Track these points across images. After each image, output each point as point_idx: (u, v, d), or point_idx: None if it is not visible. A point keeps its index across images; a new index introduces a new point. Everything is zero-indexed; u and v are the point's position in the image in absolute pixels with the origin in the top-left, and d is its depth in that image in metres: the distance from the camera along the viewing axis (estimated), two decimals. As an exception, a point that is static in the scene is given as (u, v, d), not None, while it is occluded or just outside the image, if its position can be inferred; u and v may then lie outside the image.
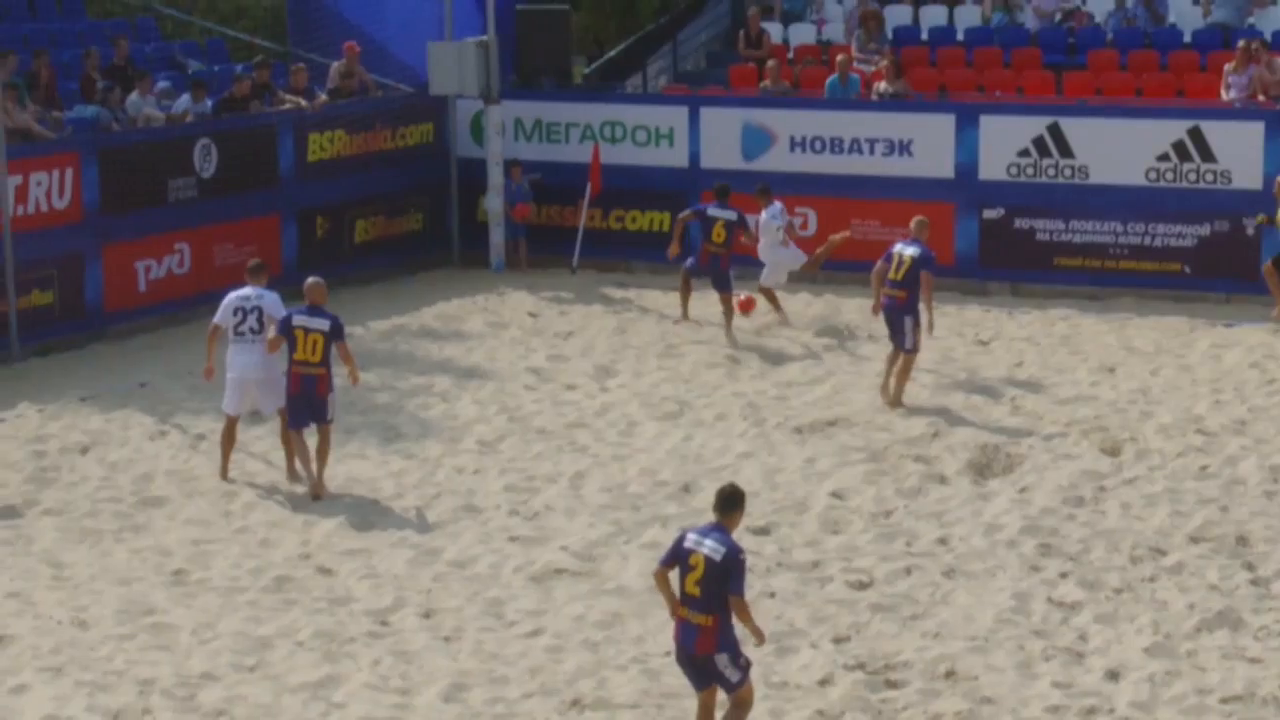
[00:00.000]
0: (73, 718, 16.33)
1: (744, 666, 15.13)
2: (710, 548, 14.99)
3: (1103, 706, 16.49)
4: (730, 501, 15.29)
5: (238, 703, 16.60)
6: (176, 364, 28.07)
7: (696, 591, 14.99)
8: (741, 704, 15.19)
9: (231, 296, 22.85)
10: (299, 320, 22.16)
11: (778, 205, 30.40)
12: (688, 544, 15.13)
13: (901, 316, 25.33)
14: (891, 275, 25.32)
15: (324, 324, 22.12)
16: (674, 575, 15.19)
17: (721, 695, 15.20)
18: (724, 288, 29.23)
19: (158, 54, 34.94)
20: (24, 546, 20.74)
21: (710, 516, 16.02)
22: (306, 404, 22.28)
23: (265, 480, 22.85)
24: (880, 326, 26.61)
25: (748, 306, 23.65)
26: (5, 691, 16.87)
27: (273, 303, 22.70)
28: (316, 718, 16.32)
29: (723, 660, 15.01)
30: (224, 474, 22.93)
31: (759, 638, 15.24)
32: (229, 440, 23.04)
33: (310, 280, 22.76)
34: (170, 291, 30.95)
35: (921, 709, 16.47)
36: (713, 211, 29.45)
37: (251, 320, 22.67)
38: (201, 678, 17.17)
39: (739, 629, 15.12)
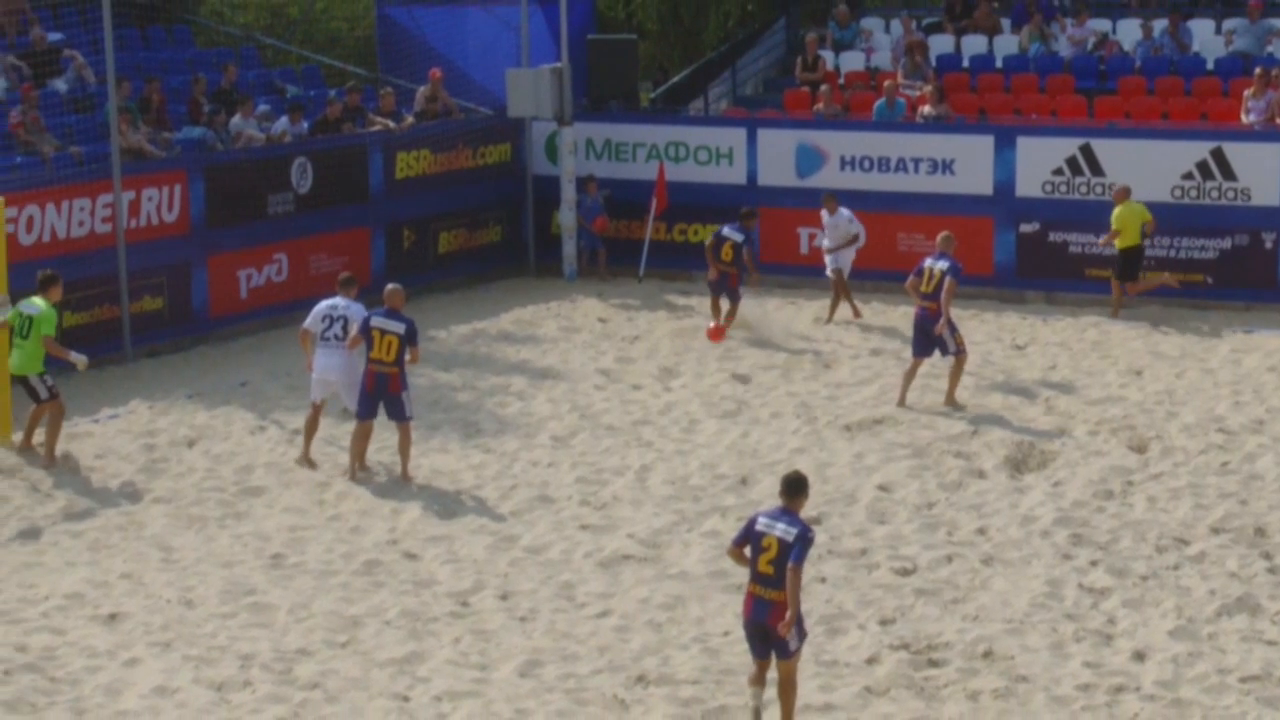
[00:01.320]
0: (180, 689, 16.40)
1: (802, 636, 15.25)
2: (782, 530, 15.10)
3: (1130, 685, 16.45)
4: (795, 487, 15.39)
5: (330, 676, 16.66)
6: (275, 365, 28.18)
7: (770, 570, 15.06)
8: (789, 676, 15.29)
9: (322, 305, 23.13)
10: (377, 322, 22.26)
11: (845, 212, 30.60)
12: (759, 527, 15.23)
13: (933, 326, 25.31)
14: (923, 288, 25.29)
15: (400, 327, 22.21)
16: (746, 554, 15.30)
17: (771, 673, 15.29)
18: (732, 299, 29.60)
19: (259, 80, 35.06)
20: (136, 531, 20.84)
21: (770, 504, 16.02)
22: (378, 399, 22.38)
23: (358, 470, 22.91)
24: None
25: (717, 335, 23.14)
26: (119, 664, 16.96)
27: (357, 313, 22.89)
28: (402, 690, 16.35)
29: (791, 631, 15.13)
30: (305, 455, 23.15)
31: (791, 616, 15.10)
32: (311, 427, 23.25)
33: (390, 286, 22.93)
34: (269, 298, 31.06)
35: (961, 686, 16.45)
36: (725, 232, 29.70)
37: (337, 328, 22.91)
38: (297, 653, 17.24)
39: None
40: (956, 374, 25.53)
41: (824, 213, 30.89)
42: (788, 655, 15.21)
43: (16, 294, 23.75)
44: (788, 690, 15.34)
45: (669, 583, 19.06)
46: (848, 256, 30.83)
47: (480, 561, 19.74)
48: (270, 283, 31.15)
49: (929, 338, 25.38)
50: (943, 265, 25.25)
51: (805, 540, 15.04)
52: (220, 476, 22.78)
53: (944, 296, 25.08)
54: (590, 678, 16.65)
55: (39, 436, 23.35)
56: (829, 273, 30.93)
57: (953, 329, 25.34)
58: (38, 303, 23.15)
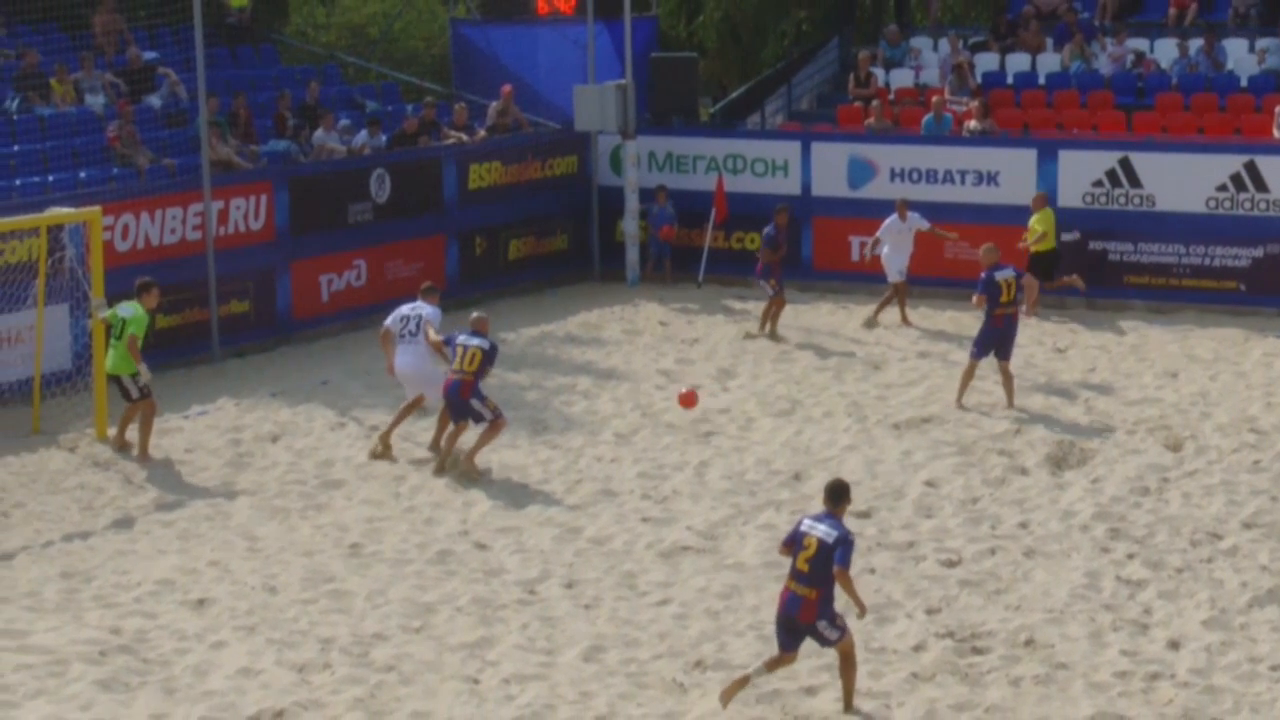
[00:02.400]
0: (264, 670, 16.46)
1: (841, 626, 15.39)
2: (824, 531, 15.29)
3: (1164, 672, 16.38)
4: (837, 493, 15.63)
5: (405, 659, 16.70)
6: (354, 365, 28.24)
7: (805, 568, 15.24)
8: (847, 655, 15.46)
9: (402, 307, 23.51)
10: (462, 339, 22.48)
11: (915, 215, 30.77)
12: (804, 528, 15.45)
13: (1014, 330, 25.58)
14: (1004, 299, 25.19)
15: (483, 343, 22.40)
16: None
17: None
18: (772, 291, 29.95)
19: (340, 95, 35.15)
20: (223, 522, 20.93)
21: (818, 501, 15.98)
22: (452, 402, 22.53)
23: (432, 465, 22.92)
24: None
25: (688, 402, 22.91)
26: (206, 647, 17.03)
27: (431, 313, 23.25)
28: (473, 673, 16.38)
29: (823, 625, 15.30)
30: (386, 436, 23.40)
31: (861, 609, 15.49)
32: (404, 412, 23.61)
33: (475, 314, 23.20)
34: (349, 302, 31.13)
35: (1003, 673, 16.40)
36: (767, 230, 30.14)
37: (411, 326, 23.23)
38: (374, 637, 17.27)
39: (839, 600, 15.36)
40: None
41: (894, 217, 30.77)
42: (833, 645, 15.42)
43: (112, 298, 23.82)
44: (847, 669, 15.54)
45: (726, 573, 19.06)
46: (904, 262, 30.75)
47: (547, 552, 19.76)
48: (350, 287, 31.22)
49: (1006, 342, 25.43)
50: (1010, 273, 25.46)
51: (847, 543, 15.28)
52: (302, 470, 22.85)
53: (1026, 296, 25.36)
54: (650, 662, 16.66)
55: (132, 433, 23.45)
56: (894, 278, 30.82)
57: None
58: (132, 306, 23.23)
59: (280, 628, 17.54)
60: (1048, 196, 31.42)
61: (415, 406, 23.68)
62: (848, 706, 15.53)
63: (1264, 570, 18.99)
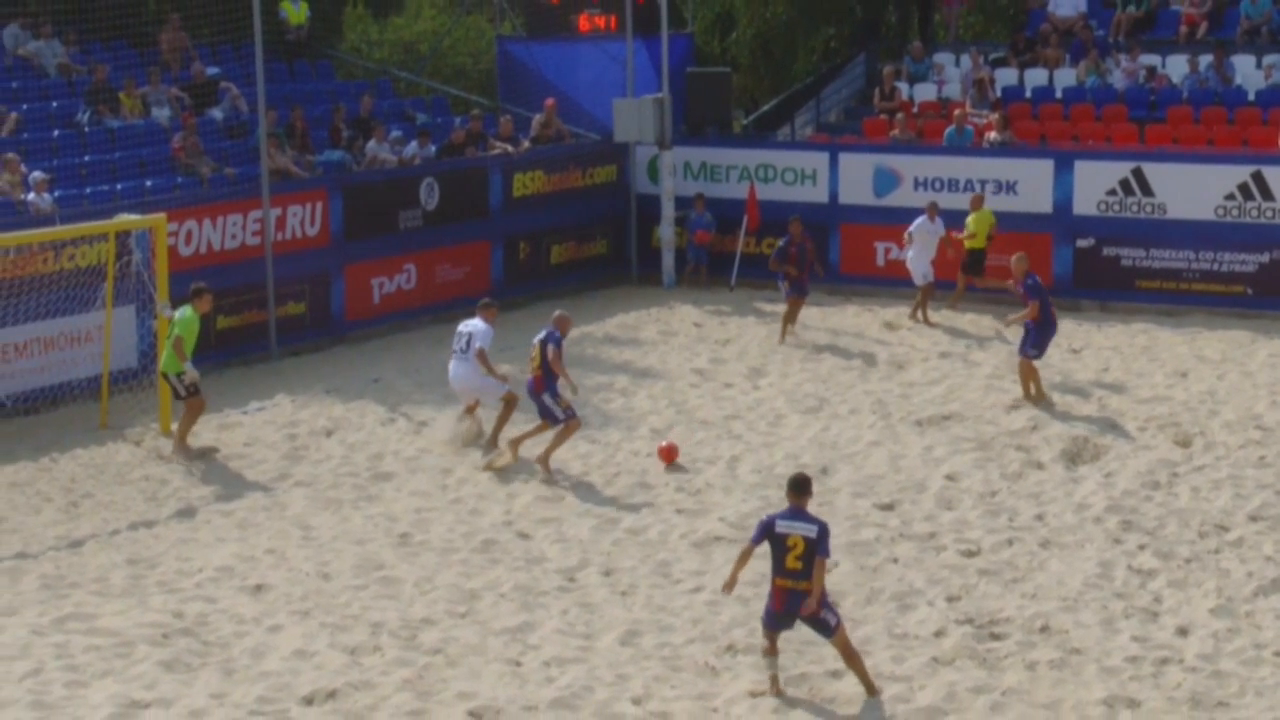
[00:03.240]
0: (317, 652, 16.50)
1: (835, 610, 15.39)
2: (804, 529, 15.16)
3: (1174, 658, 16.34)
4: (801, 486, 15.47)
5: (451, 643, 16.72)
6: (404, 363, 28.31)
7: (799, 565, 15.16)
8: (844, 648, 15.40)
9: (461, 323, 23.57)
10: (538, 338, 22.42)
11: (941, 221, 30.77)
12: (780, 529, 15.25)
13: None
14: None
15: (543, 336, 22.28)
16: (765, 556, 15.49)
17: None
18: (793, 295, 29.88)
19: (392, 108, 35.22)
20: (279, 512, 20.98)
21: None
22: (531, 399, 22.48)
23: (474, 460, 22.95)
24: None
25: (670, 455, 22.57)
26: (263, 630, 17.07)
27: (482, 332, 23.16)
28: (515, 656, 16.39)
29: (824, 612, 15.24)
30: (516, 443, 23.02)
31: (817, 590, 15.24)
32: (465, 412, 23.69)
33: (558, 313, 22.97)
34: (399, 304, 31.20)
35: (1020, 657, 16.37)
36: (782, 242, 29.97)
37: (462, 342, 23.23)
38: (422, 622, 17.30)
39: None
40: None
41: (924, 218, 30.78)
42: (831, 633, 15.31)
43: (176, 301, 23.88)
44: (852, 658, 15.45)
45: (756, 561, 18.85)
46: (928, 265, 30.73)
47: (586, 541, 19.77)
48: (400, 290, 31.28)
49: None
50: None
51: (827, 534, 15.25)
52: (354, 463, 22.90)
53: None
54: (684, 647, 16.65)
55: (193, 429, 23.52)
56: (920, 281, 30.83)
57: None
58: (184, 310, 23.23)
59: (333, 612, 17.57)
60: (983, 198, 31.83)
61: (469, 412, 23.68)
62: (870, 690, 15.48)
63: (1269, 561, 18.93)
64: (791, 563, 15.17)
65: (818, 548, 15.12)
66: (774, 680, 15.52)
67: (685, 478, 21.99)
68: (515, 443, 22.59)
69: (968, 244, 31.54)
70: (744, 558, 15.64)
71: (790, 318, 29.81)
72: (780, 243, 29.82)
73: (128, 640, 16.77)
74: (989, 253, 31.29)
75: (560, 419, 22.29)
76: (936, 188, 32.96)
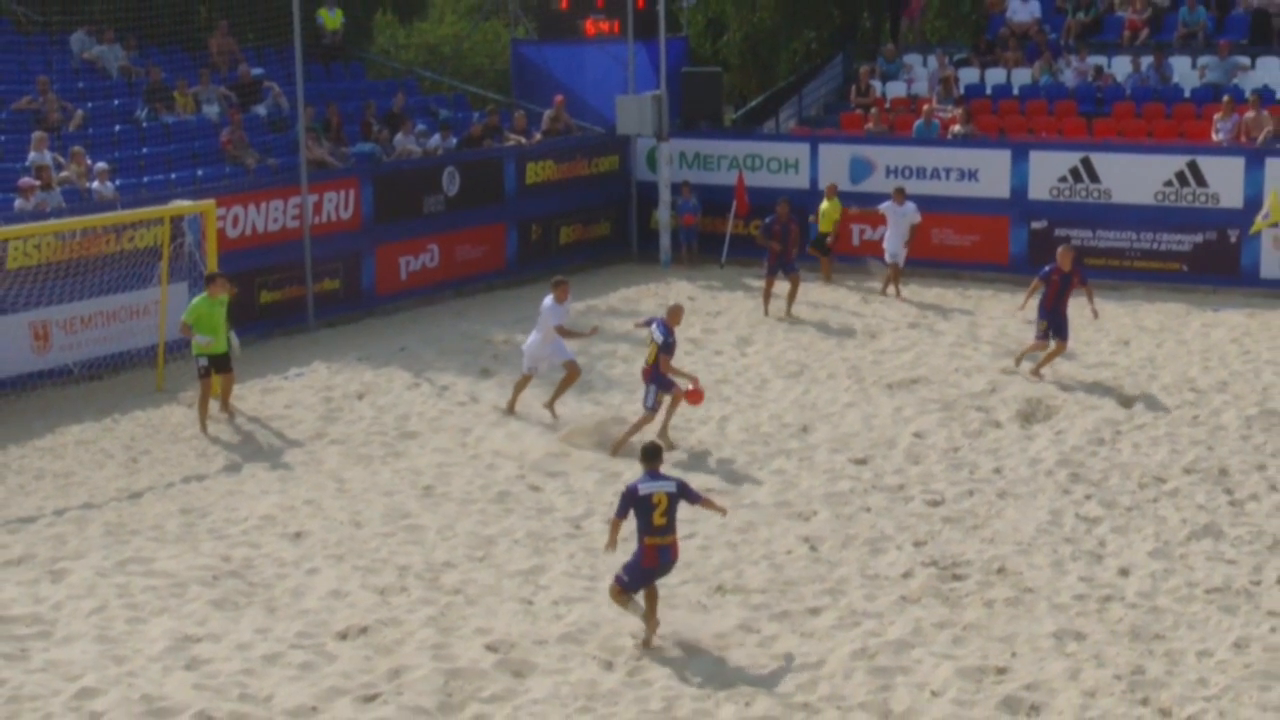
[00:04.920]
0: (350, 592, 16.53)
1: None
2: (664, 485, 14.91)
3: (1116, 595, 16.38)
4: (653, 454, 15.22)
5: (470, 584, 16.75)
6: (428, 334, 28.29)
7: (664, 521, 14.90)
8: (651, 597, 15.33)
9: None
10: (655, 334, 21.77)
11: (911, 204, 30.53)
12: (643, 492, 14.95)
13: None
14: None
15: (658, 334, 21.60)
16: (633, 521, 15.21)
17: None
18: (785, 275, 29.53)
19: (417, 105, 35.14)
20: (315, 467, 21.00)
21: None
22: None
23: (493, 419, 22.96)
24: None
25: (695, 399, 21.90)
26: (302, 573, 17.11)
27: (547, 305, 22.58)
28: (527, 595, 16.43)
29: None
30: (511, 407, 23.07)
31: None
32: (519, 386, 23.29)
33: (673, 304, 22.47)
34: (424, 280, 31.17)
35: (979, 596, 16.39)
36: (767, 219, 29.74)
37: (539, 317, 22.84)
38: (443, 565, 17.34)
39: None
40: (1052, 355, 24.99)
41: (891, 203, 30.75)
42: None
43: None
44: (652, 600, 15.34)
45: (743, 510, 19.07)
46: (898, 246, 30.68)
47: (591, 493, 19.78)
48: (425, 268, 31.25)
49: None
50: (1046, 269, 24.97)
51: (686, 485, 15.15)
52: (383, 423, 22.90)
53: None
54: (679, 587, 16.65)
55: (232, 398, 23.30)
56: (889, 260, 30.81)
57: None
58: (198, 297, 22.64)
59: (364, 556, 17.60)
60: (836, 186, 32.33)
61: (568, 381, 23.02)
62: (650, 629, 15.26)
63: (1200, 509, 18.95)
64: (658, 519, 14.92)
65: (684, 498, 14.98)
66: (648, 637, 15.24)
67: (679, 435, 21.97)
68: (664, 428, 21.78)
69: (821, 227, 32.02)
70: (614, 529, 15.30)
71: (777, 293, 29.53)
72: (767, 219, 29.76)
73: (181, 581, 16.82)
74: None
75: (649, 405, 21.61)
76: (906, 175, 32.91)
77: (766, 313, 29.39)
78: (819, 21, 44.17)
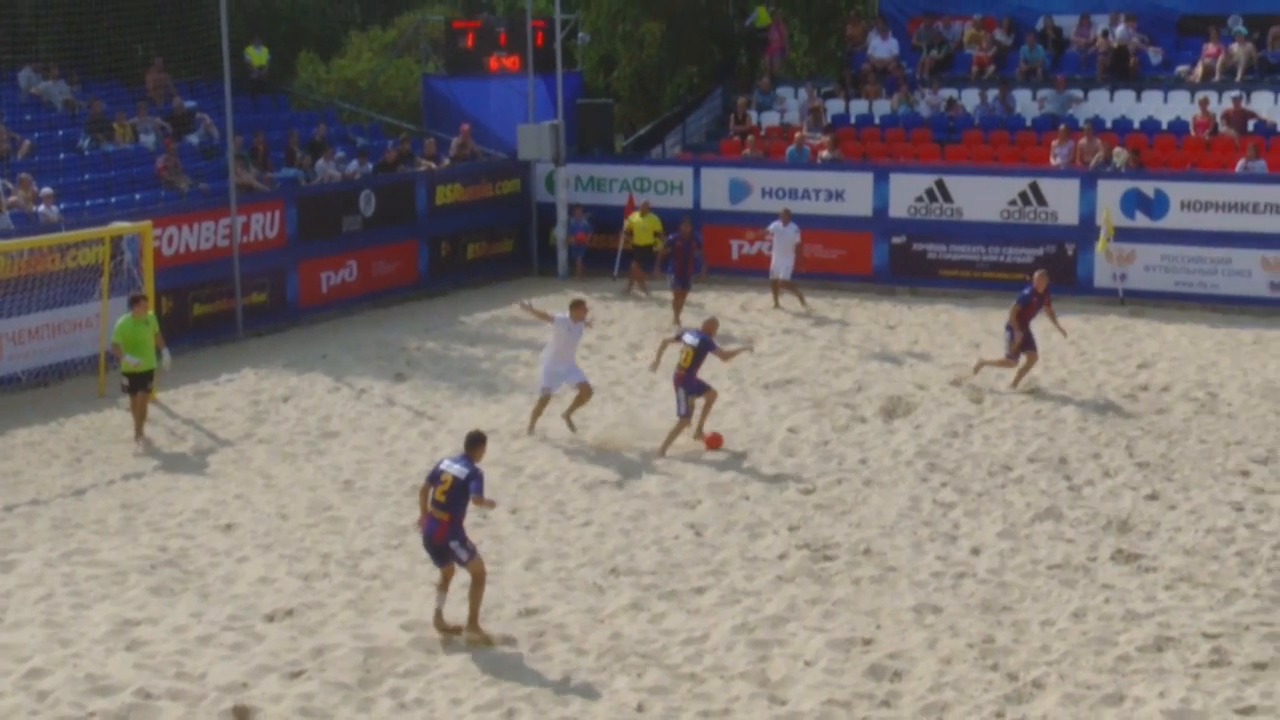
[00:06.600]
0: (277, 579, 16.40)
1: (471, 549, 14.69)
2: (457, 470, 14.58)
3: (969, 572, 16.50)
4: (471, 441, 14.88)
5: (387, 569, 16.65)
6: (347, 342, 28.07)
7: (443, 499, 14.55)
8: (476, 576, 14.68)
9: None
10: (688, 340, 21.34)
11: (794, 225, 30.42)
12: (441, 468, 14.68)
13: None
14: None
15: (693, 340, 21.28)
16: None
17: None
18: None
19: (337, 134, 34.89)
20: (245, 464, 20.79)
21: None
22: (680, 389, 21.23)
23: (407, 418, 22.83)
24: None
25: (714, 444, 21.05)
26: (233, 561, 16.94)
27: (559, 319, 21.64)
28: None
29: (454, 544, 14.63)
30: (530, 428, 21.83)
31: (492, 505, 15.15)
32: (539, 407, 22.01)
33: (708, 318, 22.06)
34: (343, 293, 30.90)
35: (848, 575, 16.47)
36: (671, 236, 29.89)
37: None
38: (362, 553, 17.22)
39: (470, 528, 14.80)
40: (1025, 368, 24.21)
41: (778, 223, 30.57)
42: (464, 564, 14.67)
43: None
44: (475, 589, 14.73)
45: (634, 500, 19.06)
46: (789, 263, 30.52)
47: (496, 485, 19.59)
48: (344, 282, 30.98)
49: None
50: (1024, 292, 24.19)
51: (478, 476, 14.60)
52: (307, 424, 22.71)
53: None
54: (577, 570, 16.66)
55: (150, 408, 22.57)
56: (773, 274, 30.53)
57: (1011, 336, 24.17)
58: (123, 317, 21.82)
59: (290, 546, 17.46)
60: (649, 204, 32.62)
61: (580, 401, 21.83)
62: (471, 624, 14.73)
63: (1043, 493, 19.13)
64: (439, 496, 14.60)
65: (468, 487, 14.50)
66: (437, 614, 14.93)
67: (577, 433, 21.91)
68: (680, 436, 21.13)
69: (637, 241, 32.13)
70: (421, 494, 14.92)
71: (678, 306, 29.59)
72: (670, 237, 29.70)
73: (122, 570, 16.62)
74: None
75: (681, 411, 21.11)
76: (780, 196, 32.98)
77: (679, 323, 29.17)
78: (701, 58, 44.24)
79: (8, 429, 22.37)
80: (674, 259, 29.39)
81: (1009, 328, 24.12)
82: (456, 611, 14.85)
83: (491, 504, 15.09)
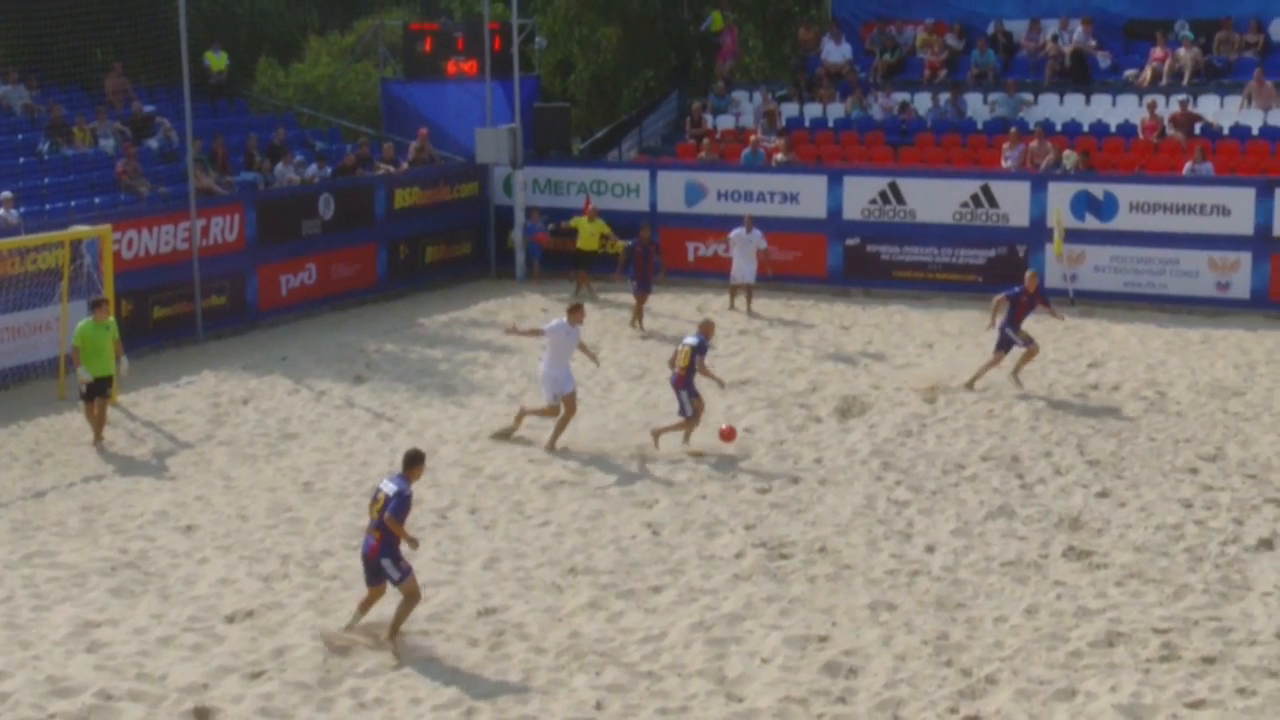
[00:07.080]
0: (237, 580, 16.31)
1: (404, 569, 14.37)
2: (389, 488, 14.35)
3: (923, 570, 16.53)
4: (408, 460, 14.63)
5: (346, 570, 16.56)
6: (307, 344, 27.97)
7: (376, 516, 14.34)
8: (408, 595, 14.45)
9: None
10: (689, 342, 21.13)
11: (758, 231, 30.33)
12: (380, 485, 14.50)
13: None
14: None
15: (692, 340, 21.16)
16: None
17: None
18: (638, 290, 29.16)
19: (295, 138, 34.75)
20: (205, 466, 20.68)
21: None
22: (678, 391, 21.10)
23: (366, 420, 22.75)
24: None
25: (728, 436, 20.75)
26: (193, 563, 16.85)
27: (553, 326, 21.18)
28: (398, 578, 16.23)
29: (385, 562, 14.36)
30: (552, 445, 21.06)
31: (413, 544, 14.42)
32: (559, 423, 21.27)
33: (706, 319, 21.98)
34: (303, 296, 30.77)
35: (804, 572, 16.49)
36: (630, 242, 29.63)
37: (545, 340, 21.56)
38: (322, 553, 17.15)
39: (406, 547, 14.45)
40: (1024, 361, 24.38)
41: (742, 229, 30.48)
42: (396, 583, 14.42)
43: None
44: (404, 606, 14.46)
45: (593, 500, 19.04)
46: (752, 269, 30.37)
47: (455, 486, 19.66)
48: (303, 285, 30.85)
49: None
50: (1012, 292, 24.17)
51: (401, 498, 14.22)
52: (266, 426, 22.61)
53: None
54: (535, 569, 16.63)
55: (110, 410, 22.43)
56: (734, 279, 30.41)
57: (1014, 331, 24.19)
58: (84, 321, 21.62)
59: (250, 547, 17.37)
60: (596, 210, 32.35)
61: (551, 413, 21.24)
62: (391, 634, 14.41)
63: (995, 491, 19.19)
64: (373, 513, 14.40)
65: (388, 507, 14.19)
66: (348, 628, 14.77)
67: (533, 434, 21.87)
68: (658, 433, 21.05)
69: (581, 245, 31.94)
70: (371, 505, 14.58)
71: (638, 310, 29.51)
72: (630, 242, 29.66)
73: (82, 572, 16.51)
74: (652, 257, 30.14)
75: (687, 413, 21.09)
76: (735, 198, 33.03)
77: (641, 325, 29.11)
78: (657, 62, 44.27)
79: (-33, 432, 22.21)
80: (634, 263, 29.36)
81: (1002, 328, 23.99)
82: (384, 611, 14.61)
83: (412, 541, 14.40)
